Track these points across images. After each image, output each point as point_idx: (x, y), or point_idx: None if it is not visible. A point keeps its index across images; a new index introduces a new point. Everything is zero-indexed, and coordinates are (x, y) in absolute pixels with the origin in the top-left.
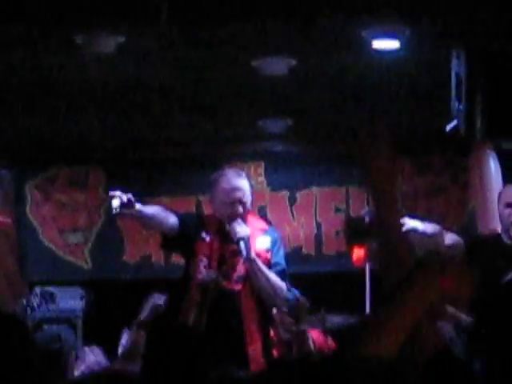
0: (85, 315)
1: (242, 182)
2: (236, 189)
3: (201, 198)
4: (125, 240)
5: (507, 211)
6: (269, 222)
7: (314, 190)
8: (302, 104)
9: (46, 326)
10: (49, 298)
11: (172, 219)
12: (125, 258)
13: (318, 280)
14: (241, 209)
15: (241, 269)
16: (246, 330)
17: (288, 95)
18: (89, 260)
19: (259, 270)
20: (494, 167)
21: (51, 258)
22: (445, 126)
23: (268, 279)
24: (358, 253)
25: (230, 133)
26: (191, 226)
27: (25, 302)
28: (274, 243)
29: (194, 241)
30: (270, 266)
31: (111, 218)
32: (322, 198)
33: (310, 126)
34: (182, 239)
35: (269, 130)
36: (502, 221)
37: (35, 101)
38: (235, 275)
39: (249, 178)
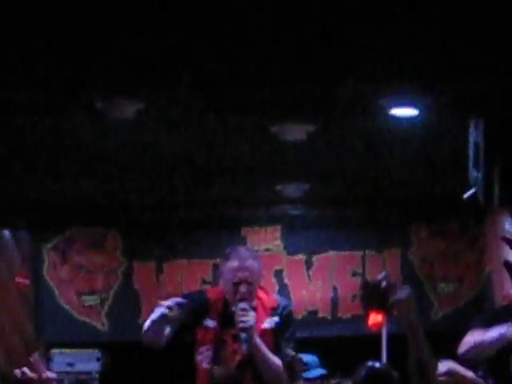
0: (101, 377)
1: (250, 263)
2: (243, 268)
3: (218, 261)
4: (141, 302)
5: None
6: (279, 295)
7: (331, 253)
8: (320, 169)
9: None
10: (67, 365)
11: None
12: (141, 319)
13: (334, 344)
14: (246, 289)
15: (242, 354)
16: None
17: (306, 160)
18: (105, 322)
19: (260, 356)
20: (510, 232)
21: (68, 320)
22: (462, 193)
23: (269, 365)
24: (375, 317)
25: (249, 197)
26: (195, 313)
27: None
28: (281, 319)
29: (196, 328)
30: (276, 345)
31: (128, 280)
32: (338, 261)
33: (328, 191)
34: (185, 332)
35: (286, 194)
36: None
37: (55, 164)
38: (236, 361)
39: (257, 258)
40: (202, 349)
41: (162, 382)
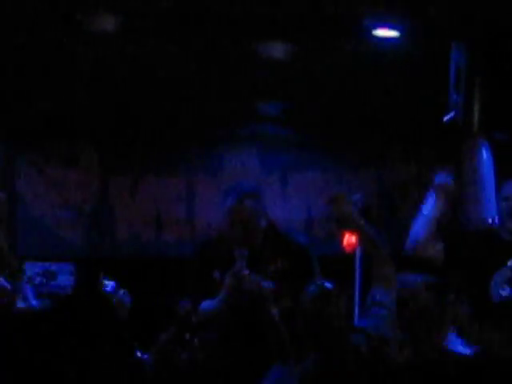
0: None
1: (247, 202)
2: (239, 209)
3: (193, 178)
4: (116, 218)
5: (504, 204)
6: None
7: (307, 173)
8: (300, 89)
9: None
10: (50, 276)
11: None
12: (116, 235)
13: None
14: (241, 232)
15: None
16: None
17: (285, 80)
18: (80, 237)
19: None
20: (486, 158)
21: (43, 234)
22: (442, 116)
23: None
24: (349, 239)
25: (226, 114)
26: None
27: (26, 278)
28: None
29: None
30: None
31: (103, 196)
32: (314, 181)
33: (306, 111)
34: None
35: (264, 112)
36: (500, 214)
37: (32, 78)
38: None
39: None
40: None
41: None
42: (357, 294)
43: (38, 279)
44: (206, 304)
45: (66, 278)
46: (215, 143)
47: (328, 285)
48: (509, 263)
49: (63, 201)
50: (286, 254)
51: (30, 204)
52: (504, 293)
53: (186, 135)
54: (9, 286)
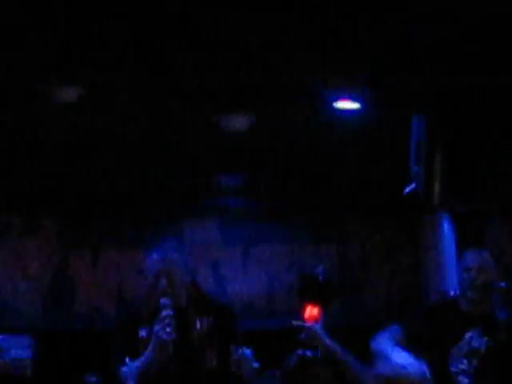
0: (34, 364)
1: (170, 254)
2: (163, 260)
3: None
4: (76, 289)
5: (465, 275)
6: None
7: (268, 246)
8: (260, 160)
9: None
10: None
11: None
12: (76, 307)
13: (271, 337)
14: (165, 282)
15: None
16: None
17: (246, 150)
18: (40, 308)
19: None
20: (447, 230)
21: (1, 306)
22: (402, 188)
23: None
24: (311, 310)
25: (187, 186)
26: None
27: None
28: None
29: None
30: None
31: (63, 267)
32: (275, 254)
33: (267, 182)
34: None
35: (225, 184)
36: (460, 284)
37: None
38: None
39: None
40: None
41: (94, 371)
42: None
43: None
44: (133, 365)
45: (23, 352)
46: (176, 216)
47: (309, 353)
48: (466, 336)
49: (22, 272)
50: (209, 312)
51: None
52: (462, 366)
53: (147, 208)
54: None
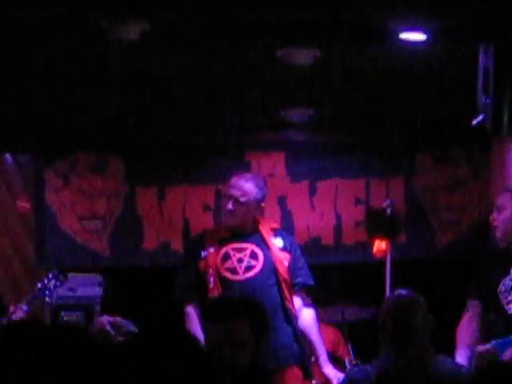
0: (102, 302)
1: (243, 182)
2: (234, 186)
3: (220, 186)
4: (144, 227)
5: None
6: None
7: (335, 180)
8: (326, 94)
9: (63, 313)
10: (63, 279)
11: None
12: (144, 245)
13: (337, 271)
14: (231, 206)
15: (246, 257)
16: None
17: (312, 85)
18: (107, 247)
19: None
20: None
21: (69, 245)
22: (469, 119)
23: None
24: (380, 245)
25: (253, 121)
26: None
27: (39, 285)
28: (291, 245)
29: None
30: (290, 268)
31: (130, 205)
32: (342, 188)
33: (333, 117)
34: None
35: (291, 119)
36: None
37: (58, 87)
38: (243, 266)
39: (257, 181)
40: (209, 277)
41: (161, 308)
42: None
43: (52, 282)
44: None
45: (93, 289)
46: (242, 152)
47: (406, 292)
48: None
49: (90, 211)
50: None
51: (58, 215)
52: (510, 298)
53: (213, 144)
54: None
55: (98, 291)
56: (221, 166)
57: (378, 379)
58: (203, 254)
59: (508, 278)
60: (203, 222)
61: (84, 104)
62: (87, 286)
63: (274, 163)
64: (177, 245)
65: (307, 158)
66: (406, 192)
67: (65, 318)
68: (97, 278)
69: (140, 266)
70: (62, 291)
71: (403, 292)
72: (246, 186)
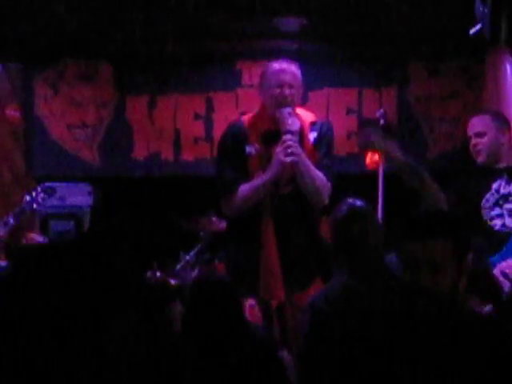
0: (92, 211)
1: (292, 67)
2: (286, 71)
3: (211, 94)
4: (134, 136)
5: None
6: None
7: (326, 90)
8: (318, 3)
9: (52, 223)
10: (51, 192)
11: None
12: (134, 154)
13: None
14: (289, 92)
15: (289, 171)
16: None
17: None
18: (97, 156)
19: (304, 170)
20: (510, 73)
21: (59, 153)
22: (465, 30)
23: (313, 179)
24: (372, 156)
25: (244, 30)
26: (237, 148)
27: (28, 197)
28: (321, 136)
29: (242, 159)
30: (317, 160)
31: (120, 113)
32: (334, 98)
33: (325, 26)
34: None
35: (283, 28)
36: None
37: None
38: (284, 179)
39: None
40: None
41: (154, 218)
42: (380, 212)
43: (40, 195)
44: (246, 185)
45: (83, 199)
46: (233, 59)
47: (359, 202)
48: (493, 186)
49: (80, 120)
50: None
51: (47, 124)
52: (493, 213)
53: (203, 52)
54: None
55: (87, 200)
56: (211, 74)
57: (333, 301)
58: (248, 149)
59: (490, 194)
60: (194, 130)
61: (72, 11)
62: (77, 195)
63: None
64: (167, 154)
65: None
66: (399, 102)
67: (54, 228)
68: (86, 187)
69: (130, 176)
70: (50, 201)
71: (357, 202)
72: (293, 68)
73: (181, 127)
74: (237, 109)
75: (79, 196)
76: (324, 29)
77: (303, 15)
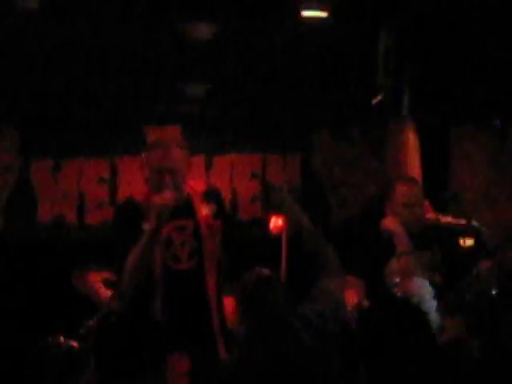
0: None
1: (174, 151)
2: (167, 157)
3: (116, 159)
4: (38, 200)
5: None
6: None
7: (231, 155)
8: (224, 69)
9: None
10: None
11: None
12: (37, 218)
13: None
14: (169, 179)
15: (190, 244)
16: (209, 301)
17: (210, 60)
18: (1, 222)
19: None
20: (412, 140)
21: None
22: (368, 99)
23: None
24: (276, 221)
25: (150, 94)
26: (131, 227)
27: None
28: (220, 206)
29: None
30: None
31: (24, 178)
32: (238, 163)
33: (231, 92)
34: None
35: (189, 93)
36: None
37: None
38: (185, 253)
39: (184, 147)
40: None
41: (53, 285)
42: (283, 275)
43: None
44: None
45: None
46: (139, 123)
47: (265, 270)
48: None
49: None
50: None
51: None
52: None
53: (110, 115)
54: None
55: None
56: (116, 138)
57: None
58: (144, 226)
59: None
60: (98, 194)
61: None
62: None
63: (171, 136)
64: (72, 217)
65: (204, 132)
66: (303, 168)
67: None
68: None
69: (33, 242)
70: None
71: (264, 270)
72: (180, 153)
73: (85, 190)
74: (141, 173)
75: None
76: (228, 94)
77: (208, 81)
